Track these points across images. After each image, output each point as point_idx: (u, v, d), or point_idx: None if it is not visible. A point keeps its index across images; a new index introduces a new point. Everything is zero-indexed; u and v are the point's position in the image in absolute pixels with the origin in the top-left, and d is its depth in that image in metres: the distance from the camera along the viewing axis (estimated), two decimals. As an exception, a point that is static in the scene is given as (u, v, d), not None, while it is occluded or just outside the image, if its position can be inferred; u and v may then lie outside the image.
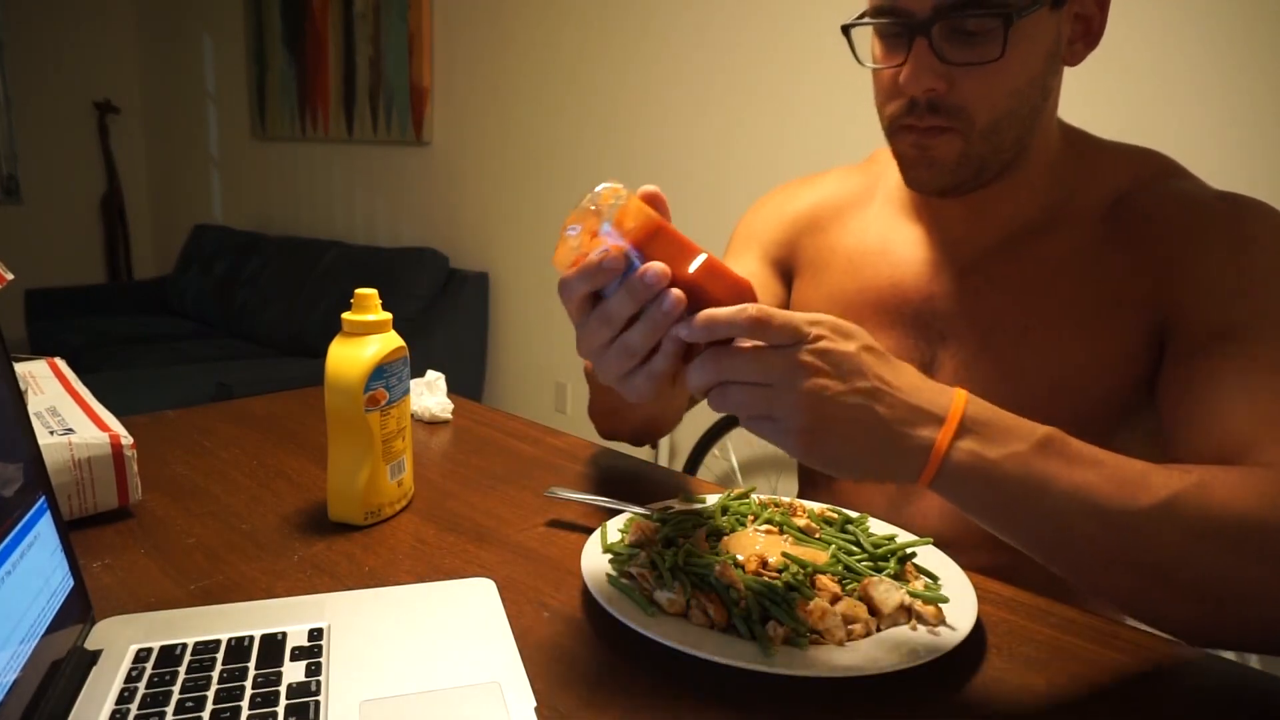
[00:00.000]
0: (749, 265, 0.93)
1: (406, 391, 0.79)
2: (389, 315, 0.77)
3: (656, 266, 0.53)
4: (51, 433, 0.75)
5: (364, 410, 0.74)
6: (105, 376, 2.86)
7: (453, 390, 1.12)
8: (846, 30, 0.75)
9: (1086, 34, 0.73)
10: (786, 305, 0.93)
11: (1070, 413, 0.73)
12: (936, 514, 0.81)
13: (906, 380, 0.54)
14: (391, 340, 0.76)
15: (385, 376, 0.75)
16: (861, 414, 0.52)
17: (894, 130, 0.74)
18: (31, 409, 0.80)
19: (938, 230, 0.81)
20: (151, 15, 4.93)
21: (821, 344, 0.52)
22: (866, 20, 0.73)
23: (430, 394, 1.09)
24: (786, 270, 0.93)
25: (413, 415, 1.08)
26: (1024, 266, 0.76)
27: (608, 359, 0.55)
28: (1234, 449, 0.60)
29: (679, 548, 0.65)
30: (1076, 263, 0.75)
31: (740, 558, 0.62)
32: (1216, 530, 0.54)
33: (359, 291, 0.75)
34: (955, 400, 0.54)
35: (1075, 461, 0.55)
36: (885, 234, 0.85)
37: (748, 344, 0.53)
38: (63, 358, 1.00)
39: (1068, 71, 0.76)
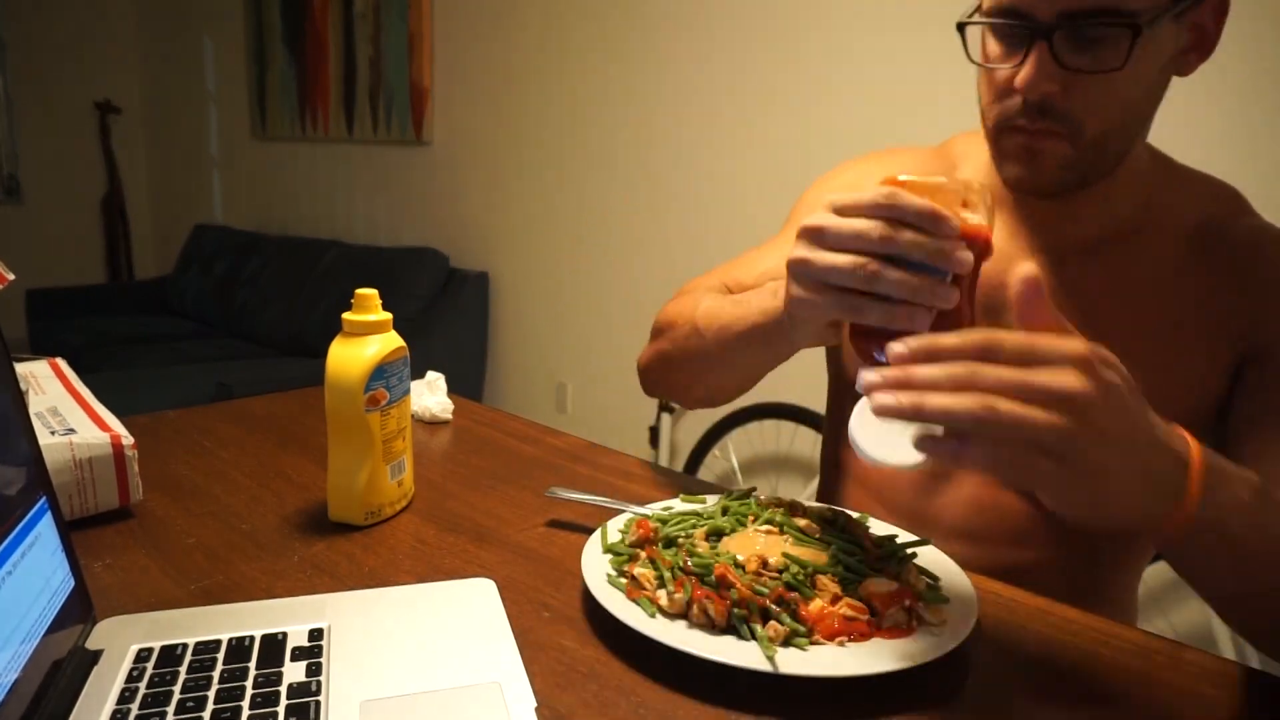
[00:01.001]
0: None
1: (407, 391, 0.80)
2: (389, 315, 0.77)
3: (968, 255, 0.54)
4: (52, 433, 0.75)
5: (364, 410, 0.74)
6: (105, 376, 2.86)
7: (453, 390, 1.12)
8: (961, 28, 0.73)
9: (1200, 44, 0.71)
10: None
11: None
12: (964, 506, 0.81)
13: (1152, 419, 0.50)
14: (392, 340, 0.76)
15: (385, 376, 0.75)
16: (1132, 458, 0.48)
17: (1000, 129, 0.73)
18: (32, 409, 0.80)
19: (1021, 226, 0.80)
20: (152, 15, 4.93)
21: (1104, 375, 0.47)
22: (984, 20, 0.71)
23: (430, 394, 1.09)
24: None
25: (413, 415, 1.08)
26: (1106, 275, 0.76)
27: (841, 263, 0.54)
28: None
29: (679, 548, 0.65)
30: (1161, 280, 0.74)
31: (740, 558, 0.62)
32: None
33: (359, 291, 0.76)
34: (1191, 445, 0.51)
35: (1270, 503, 0.54)
36: None
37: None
38: (63, 357, 1.00)
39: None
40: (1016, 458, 0.46)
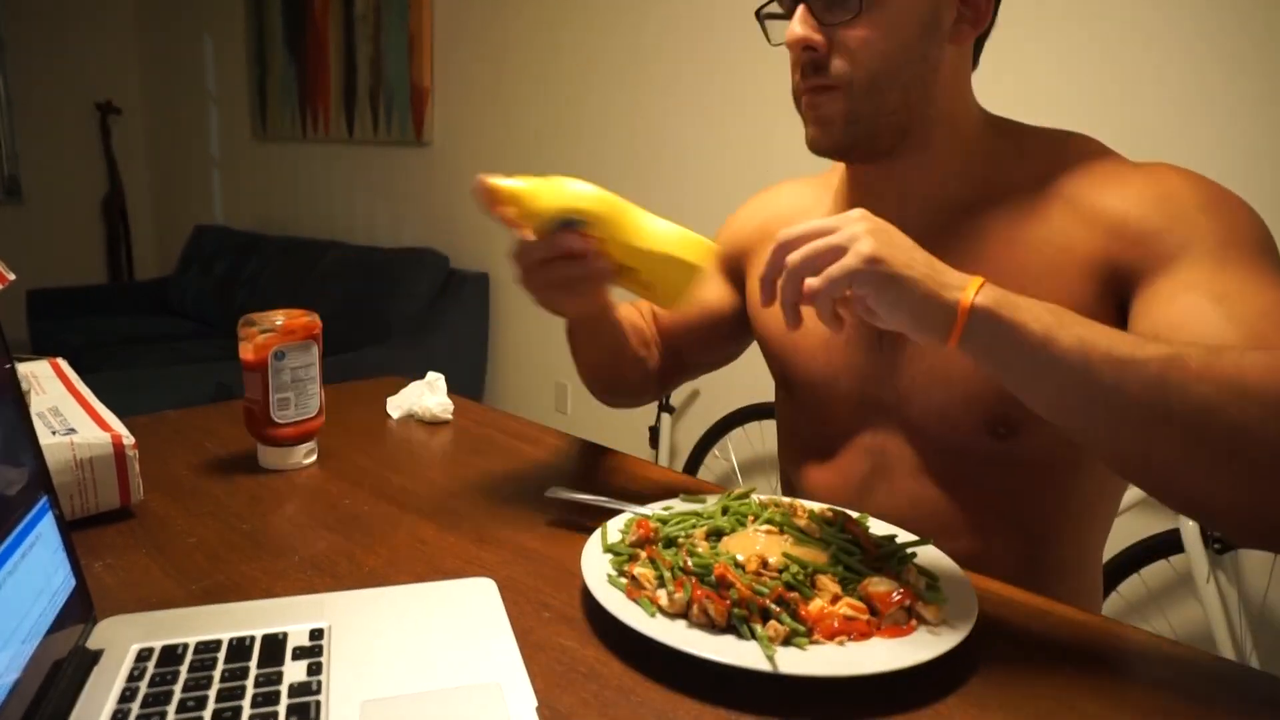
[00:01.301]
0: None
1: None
2: None
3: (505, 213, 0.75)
4: (53, 433, 0.75)
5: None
6: (106, 376, 2.86)
7: (453, 390, 1.12)
8: (760, 17, 0.81)
9: (974, 17, 0.77)
10: (739, 309, 1.01)
11: None
12: (896, 500, 0.82)
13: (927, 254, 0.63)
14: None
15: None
16: (911, 260, 0.60)
17: (796, 100, 0.80)
18: (33, 409, 0.80)
19: (861, 205, 0.84)
20: (152, 16, 4.93)
21: (864, 217, 0.62)
22: (767, 2, 0.81)
23: (430, 394, 1.09)
24: (739, 277, 1.00)
25: (413, 415, 1.08)
26: (964, 241, 0.79)
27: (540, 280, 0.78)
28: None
29: (679, 548, 0.65)
30: (1015, 233, 0.77)
31: (740, 558, 0.62)
32: (1231, 379, 0.55)
33: None
34: (973, 276, 0.61)
35: (1084, 320, 0.60)
36: None
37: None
38: (64, 357, 1.00)
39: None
40: (832, 295, 0.60)
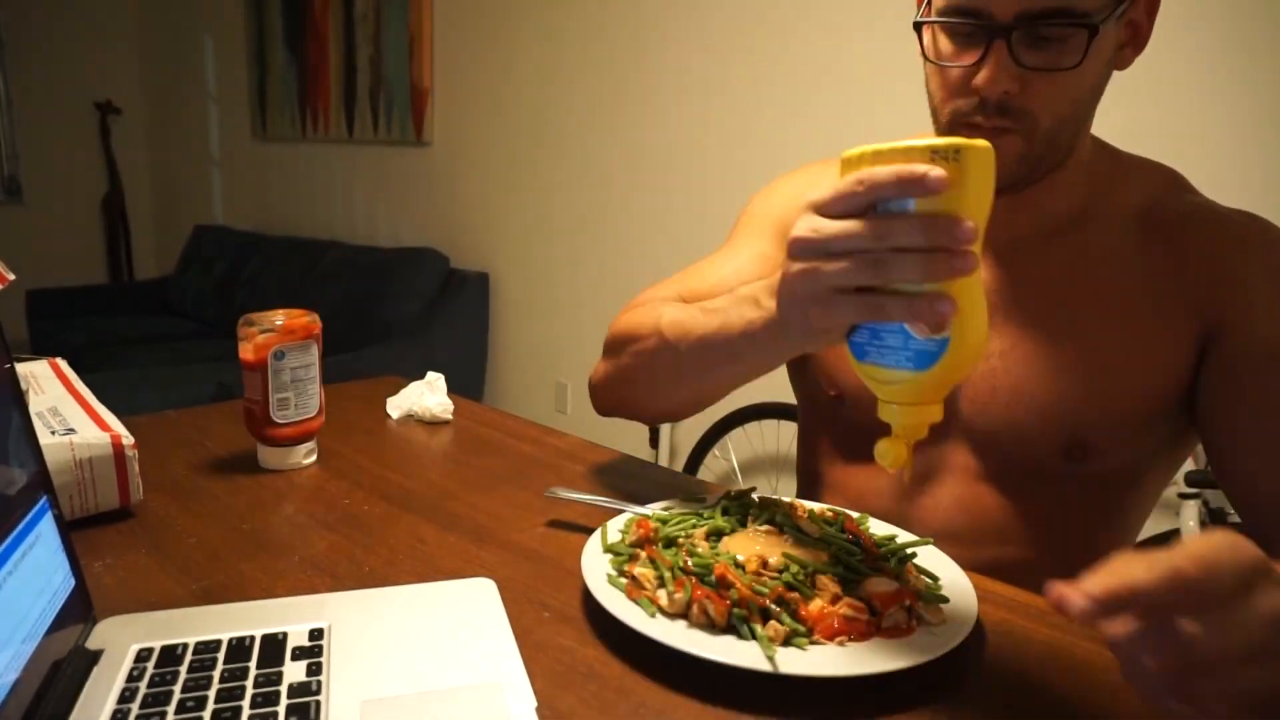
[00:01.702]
0: (763, 245, 0.90)
1: None
2: None
3: (973, 224, 0.48)
4: (53, 433, 0.75)
5: None
6: (105, 376, 2.86)
7: (453, 390, 1.12)
8: (918, 27, 0.74)
9: (1135, 39, 0.74)
10: None
11: (1100, 409, 0.75)
12: (946, 507, 0.81)
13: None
14: None
15: None
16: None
17: (955, 126, 0.73)
18: (33, 409, 0.80)
19: None
20: (152, 15, 4.93)
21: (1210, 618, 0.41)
22: (943, 20, 0.71)
23: (430, 394, 1.09)
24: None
25: (413, 415, 1.08)
26: (1061, 259, 0.78)
27: (845, 270, 0.52)
28: None
29: (679, 548, 0.65)
30: (1114, 258, 0.77)
31: (740, 558, 0.62)
32: None
33: None
34: None
35: None
36: None
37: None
38: (64, 357, 1.00)
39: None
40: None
